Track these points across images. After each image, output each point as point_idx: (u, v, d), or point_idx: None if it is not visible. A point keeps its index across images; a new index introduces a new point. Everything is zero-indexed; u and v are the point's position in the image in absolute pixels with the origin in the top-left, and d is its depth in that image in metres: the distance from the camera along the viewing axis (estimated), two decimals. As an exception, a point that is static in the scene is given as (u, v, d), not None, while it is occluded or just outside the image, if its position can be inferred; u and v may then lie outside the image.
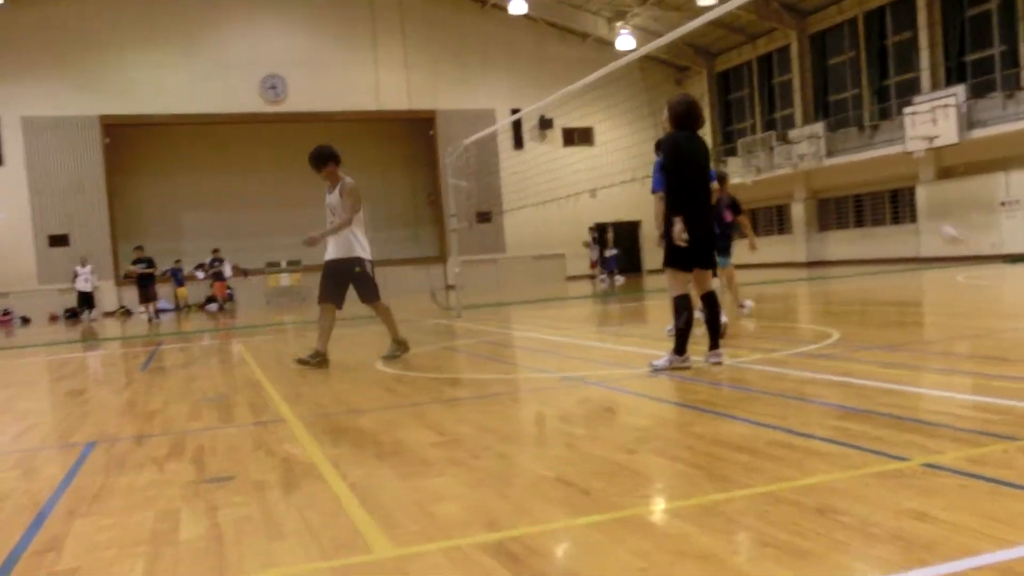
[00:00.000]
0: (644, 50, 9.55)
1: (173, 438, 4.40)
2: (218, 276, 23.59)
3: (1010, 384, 4.21)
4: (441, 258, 27.45)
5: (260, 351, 9.47)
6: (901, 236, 22.81)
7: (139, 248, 20.17)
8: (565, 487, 2.92)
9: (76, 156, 24.77)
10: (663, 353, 5.60)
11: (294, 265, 25.90)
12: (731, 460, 3.09)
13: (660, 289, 14.66)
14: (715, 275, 5.89)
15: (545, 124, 28.72)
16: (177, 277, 24.25)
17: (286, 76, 26.63)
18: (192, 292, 24.54)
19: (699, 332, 6.03)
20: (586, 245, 26.94)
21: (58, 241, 24.58)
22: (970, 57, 20.94)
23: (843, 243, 24.97)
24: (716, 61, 29.62)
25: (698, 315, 6.03)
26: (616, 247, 23.08)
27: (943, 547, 2.09)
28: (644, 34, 27.36)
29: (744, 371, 5.27)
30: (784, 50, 26.44)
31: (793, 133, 25.34)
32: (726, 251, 8.96)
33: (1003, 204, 19.76)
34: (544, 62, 28.20)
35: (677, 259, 5.47)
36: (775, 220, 27.63)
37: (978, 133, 19.86)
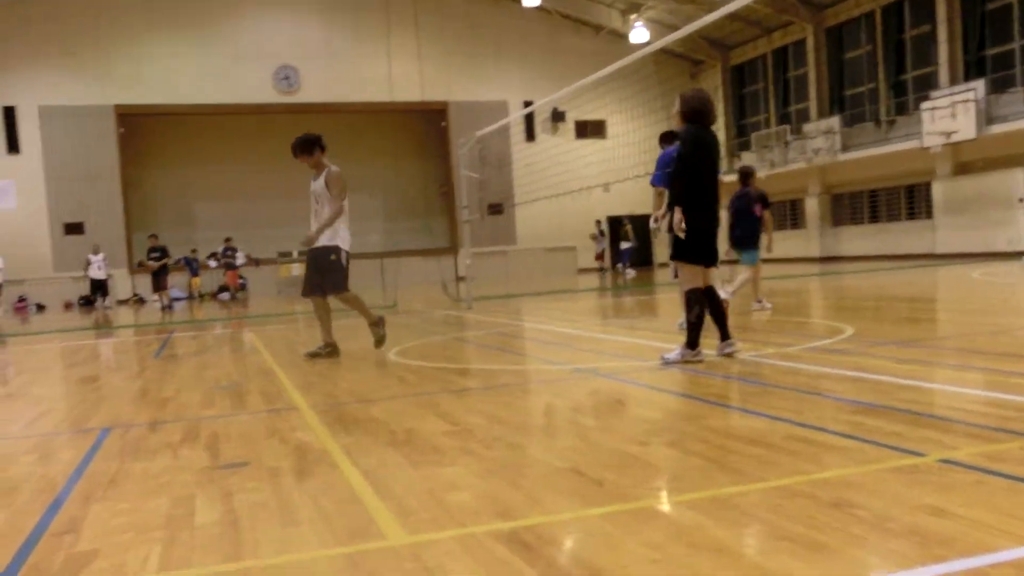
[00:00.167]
0: (659, 44, 9.48)
1: (187, 424, 4.43)
2: (230, 265, 23.71)
3: (1027, 381, 4.17)
4: (452, 249, 27.45)
5: (272, 340, 9.51)
6: (916, 232, 22.61)
7: (153, 236, 20.25)
8: (577, 478, 2.91)
9: (91, 145, 24.92)
10: (675, 346, 5.59)
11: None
12: (745, 453, 3.08)
13: (666, 284, 14.54)
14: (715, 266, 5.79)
15: (558, 117, 28.64)
16: (192, 266, 24.40)
17: (299, 67, 26.68)
18: (205, 281, 24.69)
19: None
20: (592, 238, 26.88)
21: (73, 229, 24.76)
22: (990, 51, 20.71)
23: (857, 239, 24.76)
24: (731, 54, 29.41)
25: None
26: (635, 240, 23.18)
27: (961, 543, 2.07)
28: (658, 27, 27.20)
29: (758, 365, 5.25)
30: (800, 43, 26.21)
31: (808, 127, 25.12)
32: (755, 245, 8.91)
33: (1021, 200, 19.55)
34: (557, 54, 28.11)
35: (689, 253, 5.47)
36: (788, 215, 27.42)
37: (997, 128, 19.65)
